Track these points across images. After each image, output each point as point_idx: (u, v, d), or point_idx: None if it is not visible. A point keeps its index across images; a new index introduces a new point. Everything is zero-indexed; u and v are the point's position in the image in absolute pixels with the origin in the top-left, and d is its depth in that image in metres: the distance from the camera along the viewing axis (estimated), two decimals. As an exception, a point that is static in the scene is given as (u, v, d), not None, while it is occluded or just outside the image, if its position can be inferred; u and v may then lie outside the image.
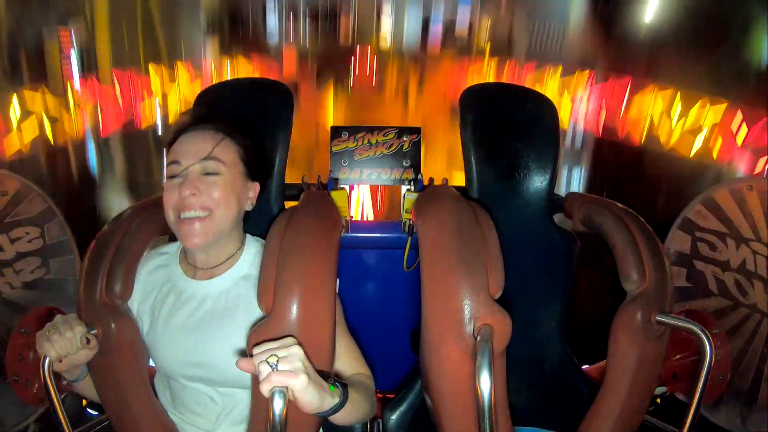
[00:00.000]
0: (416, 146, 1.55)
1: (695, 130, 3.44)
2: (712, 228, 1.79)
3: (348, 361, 1.04)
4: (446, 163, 4.06)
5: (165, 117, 4.36)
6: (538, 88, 2.08)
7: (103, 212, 3.73)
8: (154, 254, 1.12)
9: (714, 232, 1.79)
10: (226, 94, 1.37)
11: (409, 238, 1.48)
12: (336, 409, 0.84)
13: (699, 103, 3.41)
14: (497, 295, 0.90)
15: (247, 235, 1.11)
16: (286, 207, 1.29)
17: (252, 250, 1.08)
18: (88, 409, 1.43)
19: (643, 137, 3.79)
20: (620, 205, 1.21)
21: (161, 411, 1.05)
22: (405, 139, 1.55)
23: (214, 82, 1.56)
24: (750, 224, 1.75)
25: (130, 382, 1.02)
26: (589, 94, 4.18)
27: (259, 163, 1.10)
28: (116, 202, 3.85)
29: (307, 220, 0.98)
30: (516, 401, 0.97)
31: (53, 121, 3.50)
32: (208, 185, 0.99)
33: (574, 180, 4.30)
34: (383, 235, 1.56)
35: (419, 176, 1.54)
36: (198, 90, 1.38)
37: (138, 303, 1.07)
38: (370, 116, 4.95)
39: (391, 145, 1.55)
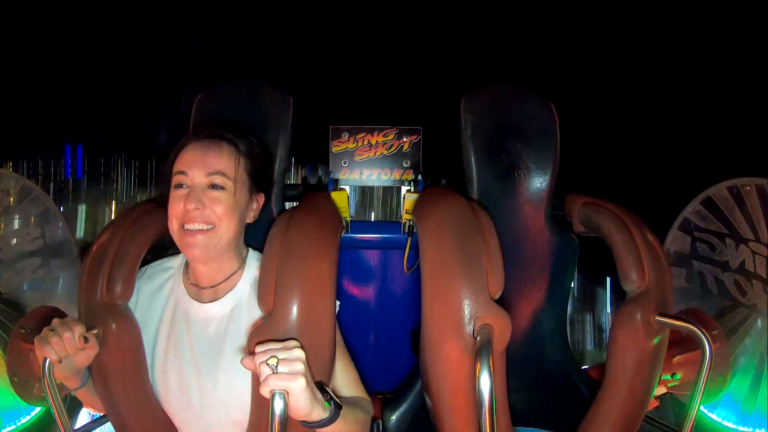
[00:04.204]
0: (416, 147, 1.55)
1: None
2: (712, 228, 1.79)
3: (346, 382, 1.03)
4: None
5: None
6: None
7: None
8: (156, 269, 1.11)
9: (713, 232, 1.79)
10: (226, 96, 1.37)
11: (409, 238, 1.48)
12: (323, 423, 0.84)
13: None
14: (497, 296, 0.90)
15: (250, 250, 1.09)
16: (287, 208, 1.29)
17: (253, 268, 1.06)
18: (88, 409, 1.43)
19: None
20: (619, 206, 1.22)
21: (161, 411, 1.05)
22: (405, 139, 1.55)
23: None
24: (749, 224, 1.75)
25: (131, 383, 1.02)
26: None
27: (265, 175, 1.10)
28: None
29: (308, 220, 0.98)
30: (516, 401, 0.98)
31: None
32: (213, 200, 0.98)
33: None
34: (383, 235, 1.56)
35: (419, 177, 1.54)
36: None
37: (142, 321, 1.05)
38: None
39: (391, 146, 1.55)
